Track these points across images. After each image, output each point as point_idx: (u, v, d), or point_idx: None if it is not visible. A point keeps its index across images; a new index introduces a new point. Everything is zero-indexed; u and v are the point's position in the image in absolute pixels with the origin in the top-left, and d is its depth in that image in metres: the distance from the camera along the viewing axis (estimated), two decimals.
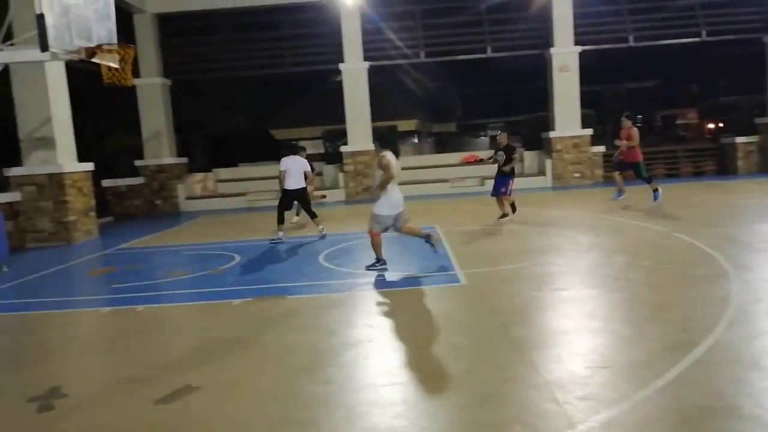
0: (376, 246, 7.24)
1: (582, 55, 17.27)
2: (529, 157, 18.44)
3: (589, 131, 17.49)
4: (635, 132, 11.59)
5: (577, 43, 17.17)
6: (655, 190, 11.60)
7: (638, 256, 7.28)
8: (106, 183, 16.50)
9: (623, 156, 11.75)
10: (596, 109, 19.08)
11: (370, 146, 17.36)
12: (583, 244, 8.37)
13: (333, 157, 18.51)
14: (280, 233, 10.12)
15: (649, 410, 3.35)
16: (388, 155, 7.07)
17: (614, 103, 27.60)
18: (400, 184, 7.23)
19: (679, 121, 36.95)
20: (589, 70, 18.70)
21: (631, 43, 17.58)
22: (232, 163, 20.14)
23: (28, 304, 7.13)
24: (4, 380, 4.55)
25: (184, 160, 18.50)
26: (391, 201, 7.03)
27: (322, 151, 19.72)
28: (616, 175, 12.05)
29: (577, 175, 17.37)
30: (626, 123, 11.80)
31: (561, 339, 4.66)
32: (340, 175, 17.76)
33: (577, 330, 4.84)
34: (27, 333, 5.91)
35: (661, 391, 3.55)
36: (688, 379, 3.70)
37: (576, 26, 17.10)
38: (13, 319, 6.59)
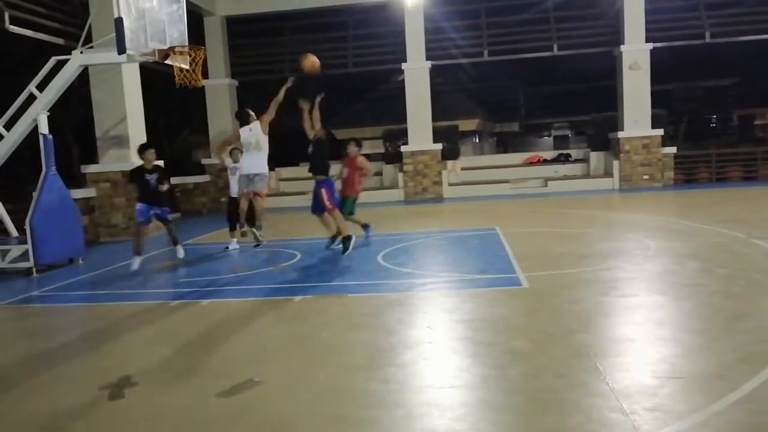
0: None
1: (653, 52, 16.64)
2: (595, 158, 17.90)
3: (660, 131, 16.83)
4: (362, 160, 9.66)
5: (648, 39, 16.51)
6: (366, 226, 9.91)
7: (712, 263, 6.94)
8: (174, 180, 17.10)
9: (341, 190, 9.82)
10: (668, 109, 18.32)
11: (431, 146, 17.36)
12: (653, 248, 8.05)
13: (392, 156, 18.57)
14: (235, 240, 9.91)
15: (722, 425, 3.18)
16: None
17: (688, 102, 26.46)
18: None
19: (757, 122, 35.02)
20: (661, 67, 17.98)
21: (708, 40, 16.80)
22: (293, 162, 20.49)
23: (101, 296, 7.48)
24: (79, 368, 4.78)
25: None
26: None
27: (381, 150, 19.80)
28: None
29: (646, 177, 16.73)
30: (352, 150, 9.69)
31: (628, 346, 4.49)
32: (400, 175, 17.77)
33: (645, 338, 4.65)
34: (100, 323, 6.20)
35: (736, 405, 3.36)
36: (766, 393, 3.49)
37: (648, 22, 16.48)
38: (87, 309, 6.94)
